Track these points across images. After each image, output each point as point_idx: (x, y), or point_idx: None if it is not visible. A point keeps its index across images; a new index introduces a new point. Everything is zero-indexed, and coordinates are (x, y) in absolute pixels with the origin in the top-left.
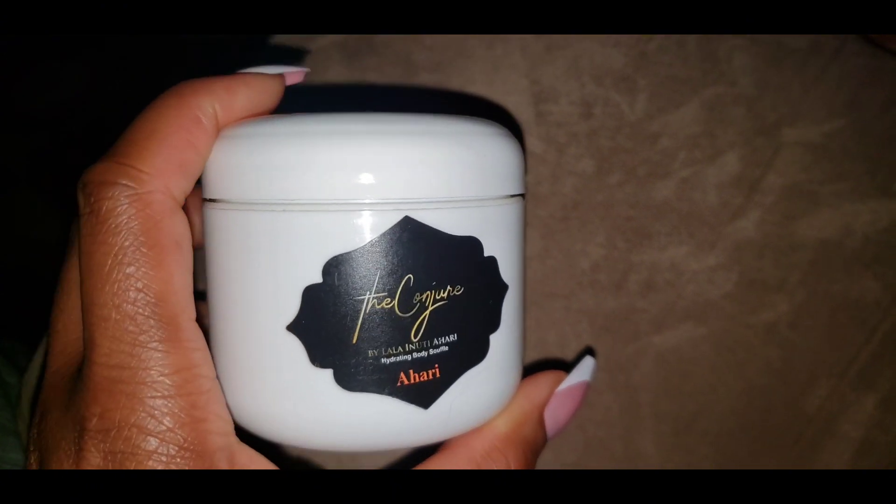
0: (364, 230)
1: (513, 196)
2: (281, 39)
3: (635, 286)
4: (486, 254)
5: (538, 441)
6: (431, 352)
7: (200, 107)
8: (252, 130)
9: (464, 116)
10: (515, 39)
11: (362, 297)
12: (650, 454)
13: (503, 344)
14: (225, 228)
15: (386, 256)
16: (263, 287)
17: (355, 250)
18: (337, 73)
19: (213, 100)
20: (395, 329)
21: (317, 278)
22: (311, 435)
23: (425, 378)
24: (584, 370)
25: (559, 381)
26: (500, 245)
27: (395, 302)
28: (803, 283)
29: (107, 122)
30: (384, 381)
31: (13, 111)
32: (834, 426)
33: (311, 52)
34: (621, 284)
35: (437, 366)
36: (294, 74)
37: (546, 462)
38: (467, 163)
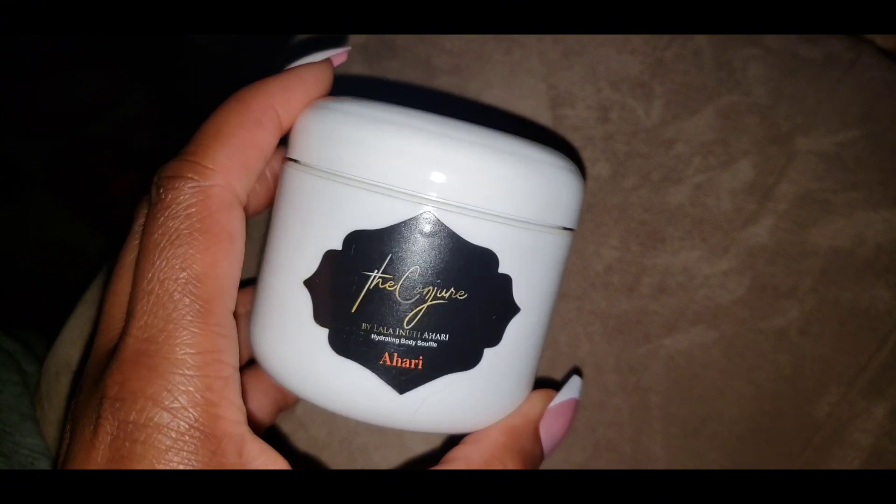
0: (388, 214)
1: (549, 226)
2: (302, 39)
3: (647, 289)
4: (500, 270)
5: (535, 455)
6: (419, 343)
7: (261, 108)
8: (326, 104)
9: (520, 138)
10: (533, 45)
11: (369, 274)
12: (658, 456)
13: (500, 362)
14: (287, 183)
15: (400, 243)
16: (294, 241)
17: (375, 230)
18: (358, 75)
19: (271, 100)
20: (391, 311)
21: (338, 245)
22: (300, 384)
23: (407, 365)
24: (573, 388)
25: (550, 398)
26: (520, 267)
27: (398, 287)
28: (814, 290)
29: (125, 127)
30: (369, 355)
31: (33, 115)
32: (843, 434)
33: (344, 37)
34: (634, 287)
35: (421, 357)
36: (339, 55)
37: (555, 462)
38: (504, 179)
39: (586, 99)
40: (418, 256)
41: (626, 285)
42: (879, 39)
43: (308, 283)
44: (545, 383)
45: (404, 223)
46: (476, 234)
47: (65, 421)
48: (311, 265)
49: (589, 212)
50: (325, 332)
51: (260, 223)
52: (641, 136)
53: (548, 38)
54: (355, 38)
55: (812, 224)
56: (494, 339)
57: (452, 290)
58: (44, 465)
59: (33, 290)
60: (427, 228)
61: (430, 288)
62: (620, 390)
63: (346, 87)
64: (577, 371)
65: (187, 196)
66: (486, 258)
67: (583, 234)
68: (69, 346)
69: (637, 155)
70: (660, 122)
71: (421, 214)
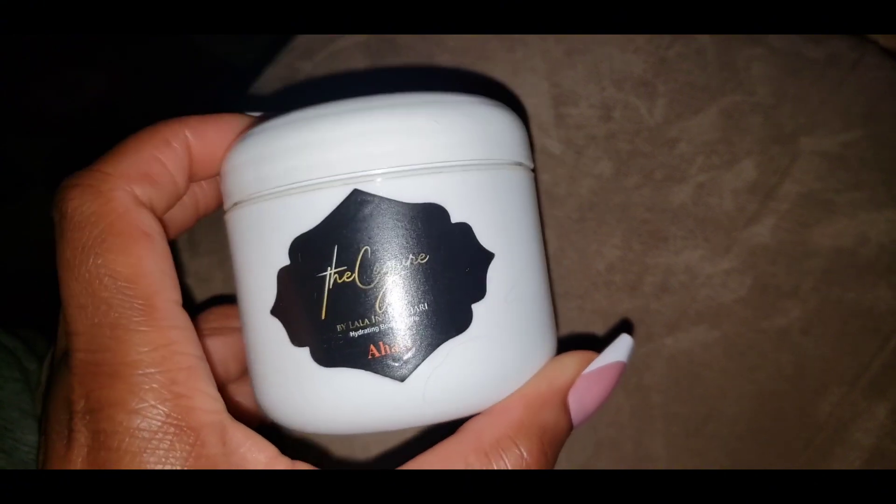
0: (318, 208)
1: (491, 163)
2: (303, 40)
3: (650, 288)
4: (454, 220)
5: (560, 429)
6: (400, 322)
7: (171, 132)
8: (235, 142)
9: (423, 91)
10: (536, 43)
11: (324, 274)
12: (660, 456)
13: (496, 315)
14: (231, 230)
15: (341, 231)
16: (250, 276)
17: (312, 228)
18: (360, 73)
19: (182, 127)
20: (359, 302)
21: (285, 260)
22: (300, 416)
23: (397, 349)
24: (620, 349)
25: (588, 362)
26: (475, 211)
27: (356, 275)
28: (816, 289)
29: (124, 127)
30: (355, 355)
31: (33, 115)
32: (844, 434)
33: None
34: (636, 286)
35: (408, 336)
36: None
37: (556, 462)
38: (416, 130)
39: (589, 98)
40: (363, 237)
41: (628, 284)
42: (882, 39)
43: (274, 310)
44: (588, 341)
45: (336, 210)
46: (413, 192)
47: (39, 436)
48: (270, 292)
49: (591, 210)
50: (305, 350)
51: None
52: (644, 135)
53: (551, 36)
54: (357, 37)
55: (815, 224)
56: (478, 292)
57: (411, 256)
58: None
59: (33, 289)
60: (360, 205)
61: (388, 263)
62: (622, 389)
63: (347, 86)
64: (626, 326)
65: (87, 203)
66: (434, 212)
67: (585, 232)
68: None
69: (640, 154)
70: (663, 121)
71: (349, 194)
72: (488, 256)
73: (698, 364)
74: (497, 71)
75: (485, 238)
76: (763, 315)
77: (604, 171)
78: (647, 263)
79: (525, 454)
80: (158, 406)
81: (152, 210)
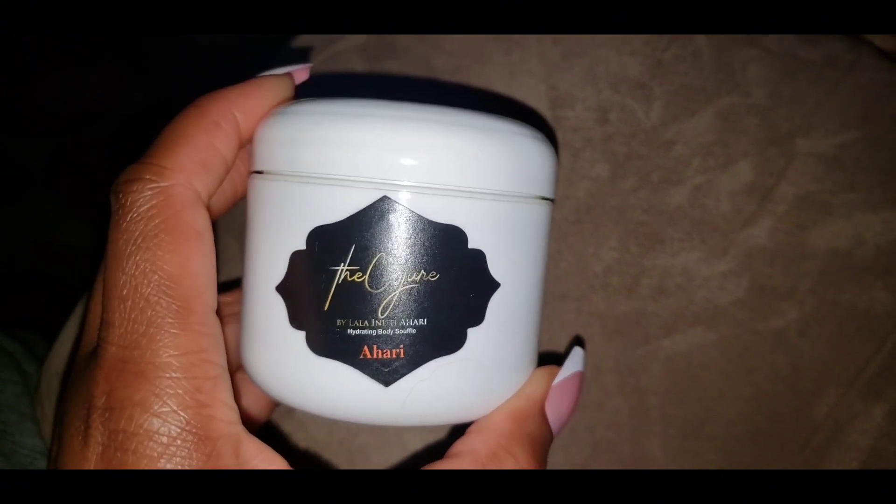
0: (345, 205)
1: (519, 196)
2: (301, 42)
3: (647, 290)
4: (470, 246)
5: (544, 437)
6: (397, 331)
7: (219, 112)
8: (277, 111)
9: (472, 110)
10: (533, 46)
11: (336, 268)
12: (657, 457)
13: (488, 341)
14: (252, 195)
15: (361, 232)
16: (263, 249)
17: (334, 223)
18: (358, 76)
19: (229, 105)
20: (363, 303)
21: (301, 245)
22: (285, 391)
23: (388, 356)
24: (576, 361)
25: (554, 375)
26: (493, 240)
27: (366, 277)
28: (813, 291)
29: (126, 127)
30: (348, 351)
31: (33, 115)
32: (841, 435)
33: (313, 49)
34: (633, 288)
35: (401, 346)
36: (301, 71)
37: (555, 463)
38: (458, 152)
39: (586, 100)
40: (382, 243)
41: (625, 286)
42: (878, 40)
43: (279, 288)
44: (547, 358)
45: (363, 211)
46: (439, 211)
47: (53, 424)
48: (280, 270)
49: (588, 213)
50: (302, 334)
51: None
52: (641, 137)
53: (547, 39)
54: (355, 39)
55: (811, 225)
56: (476, 318)
57: (423, 272)
58: (43, 464)
59: (33, 290)
60: (386, 213)
61: (400, 273)
62: (619, 391)
63: (345, 87)
64: (578, 342)
65: (147, 197)
66: (454, 235)
67: (582, 235)
68: (69, 347)
69: (636, 156)
70: (659, 123)
71: (378, 199)
72: (494, 286)
73: (695, 366)
74: (494, 74)
75: (495, 267)
76: (760, 317)
77: (600, 174)
78: (644, 265)
79: (521, 462)
80: (180, 412)
81: (207, 192)
